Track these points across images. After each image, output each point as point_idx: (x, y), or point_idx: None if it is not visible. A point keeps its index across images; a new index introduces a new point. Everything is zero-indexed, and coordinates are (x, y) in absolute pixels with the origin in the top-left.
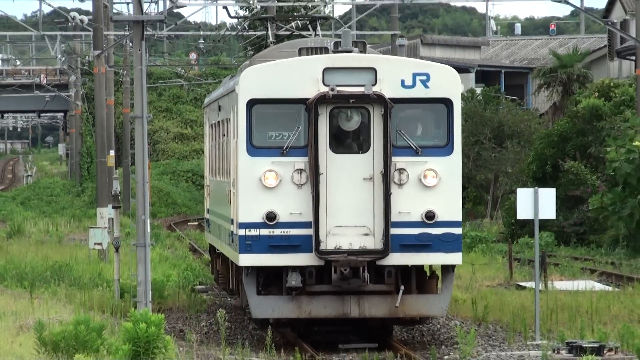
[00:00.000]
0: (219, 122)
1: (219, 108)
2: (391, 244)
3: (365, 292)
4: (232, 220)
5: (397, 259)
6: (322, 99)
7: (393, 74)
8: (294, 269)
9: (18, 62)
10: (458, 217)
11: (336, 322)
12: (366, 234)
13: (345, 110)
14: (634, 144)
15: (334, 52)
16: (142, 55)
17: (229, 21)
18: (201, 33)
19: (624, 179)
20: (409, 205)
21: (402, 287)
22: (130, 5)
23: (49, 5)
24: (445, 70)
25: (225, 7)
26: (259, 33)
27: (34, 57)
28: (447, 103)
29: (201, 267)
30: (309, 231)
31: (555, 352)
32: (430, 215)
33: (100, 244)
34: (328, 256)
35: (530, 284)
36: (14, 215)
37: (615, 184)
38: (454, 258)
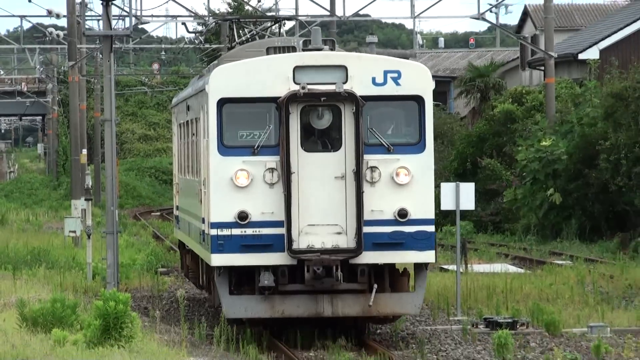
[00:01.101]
0: (187, 121)
1: (188, 108)
2: (364, 242)
3: (339, 291)
4: (203, 219)
5: (370, 257)
6: (293, 98)
7: (364, 71)
8: (266, 268)
9: (1, 72)
10: (431, 214)
11: (310, 321)
12: (339, 233)
13: (316, 109)
14: (541, 144)
15: (304, 50)
16: (111, 66)
17: (187, 35)
18: (163, 46)
19: (533, 175)
20: (381, 203)
21: (375, 286)
22: (101, 22)
23: (29, 21)
24: (416, 67)
25: (184, 23)
26: (214, 46)
27: (16, 68)
28: (419, 100)
29: (163, 252)
30: (281, 230)
31: (474, 326)
32: (402, 213)
33: (75, 231)
34: (301, 255)
35: (452, 267)
36: None
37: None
38: (427, 256)
